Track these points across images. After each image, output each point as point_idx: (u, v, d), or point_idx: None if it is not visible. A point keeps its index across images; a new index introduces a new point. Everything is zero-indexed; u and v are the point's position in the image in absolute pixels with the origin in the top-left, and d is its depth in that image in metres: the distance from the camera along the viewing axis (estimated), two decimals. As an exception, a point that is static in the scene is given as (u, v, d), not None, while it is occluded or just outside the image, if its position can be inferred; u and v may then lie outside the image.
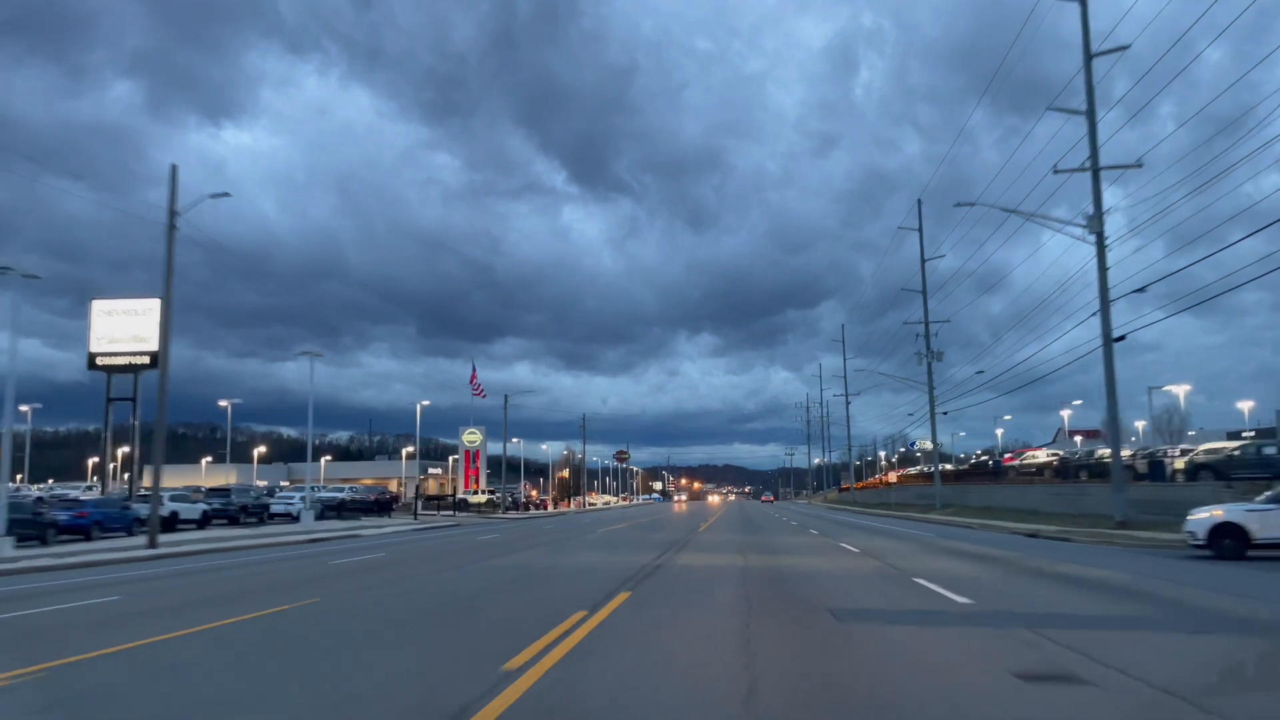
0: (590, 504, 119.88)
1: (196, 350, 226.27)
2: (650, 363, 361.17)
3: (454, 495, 71.78)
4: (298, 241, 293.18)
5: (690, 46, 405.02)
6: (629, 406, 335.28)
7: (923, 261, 55.79)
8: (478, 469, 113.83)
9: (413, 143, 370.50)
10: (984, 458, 69.90)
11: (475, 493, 77.58)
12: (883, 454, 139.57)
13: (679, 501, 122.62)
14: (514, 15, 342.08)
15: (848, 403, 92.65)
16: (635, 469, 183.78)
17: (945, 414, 53.32)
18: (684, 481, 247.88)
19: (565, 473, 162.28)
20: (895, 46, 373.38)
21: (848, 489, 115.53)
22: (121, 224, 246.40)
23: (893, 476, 69.95)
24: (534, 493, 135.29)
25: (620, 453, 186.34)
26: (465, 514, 63.25)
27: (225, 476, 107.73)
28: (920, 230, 56.26)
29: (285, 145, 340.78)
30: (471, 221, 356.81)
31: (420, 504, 69.92)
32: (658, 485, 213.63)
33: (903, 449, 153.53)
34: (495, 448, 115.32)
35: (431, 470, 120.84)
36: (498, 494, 75.50)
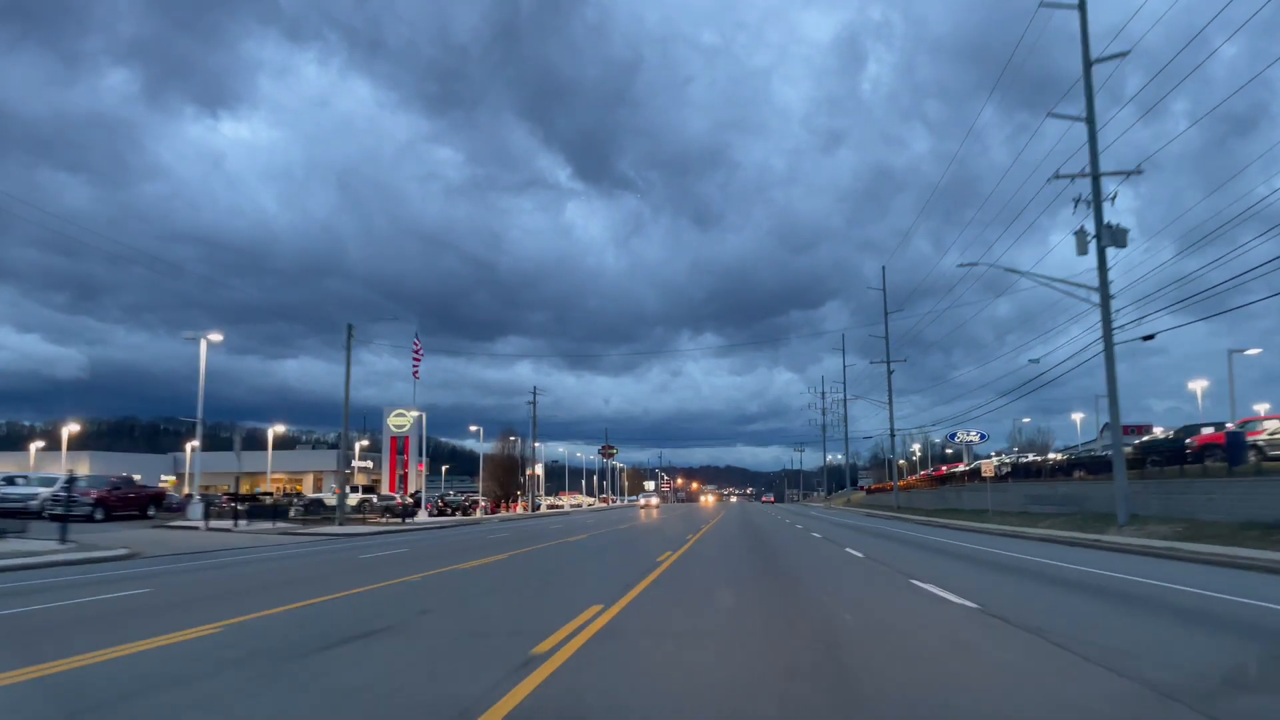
0: (555, 507, 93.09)
1: (195, 347, 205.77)
2: (653, 363, 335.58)
3: (269, 495, 45.25)
4: (298, 237, 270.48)
5: (695, 40, 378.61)
6: (631, 407, 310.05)
7: (1087, 66, 29.36)
8: (407, 461, 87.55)
9: (414, 136, 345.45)
10: (1159, 435, 43.23)
11: (359, 489, 51.06)
12: (916, 447, 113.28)
13: (647, 505, 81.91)
14: (517, 6, 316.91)
15: (890, 371, 66.02)
16: (621, 465, 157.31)
17: (1150, 338, 26.58)
18: (680, 481, 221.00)
19: (537, 469, 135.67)
20: (904, 41, 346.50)
21: (879, 489, 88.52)
22: (119, 218, 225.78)
23: (988, 469, 42.70)
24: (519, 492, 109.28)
25: (606, 447, 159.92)
26: (285, 524, 36.72)
27: (80, 465, 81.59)
28: (1081, 8, 29.80)
29: (284, 138, 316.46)
30: (474, 217, 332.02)
31: (207, 505, 43.04)
32: (650, 485, 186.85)
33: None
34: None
35: (360, 464, 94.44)
36: (400, 494, 48.94)
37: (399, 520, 43.93)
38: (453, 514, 62.94)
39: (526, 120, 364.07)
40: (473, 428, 69.59)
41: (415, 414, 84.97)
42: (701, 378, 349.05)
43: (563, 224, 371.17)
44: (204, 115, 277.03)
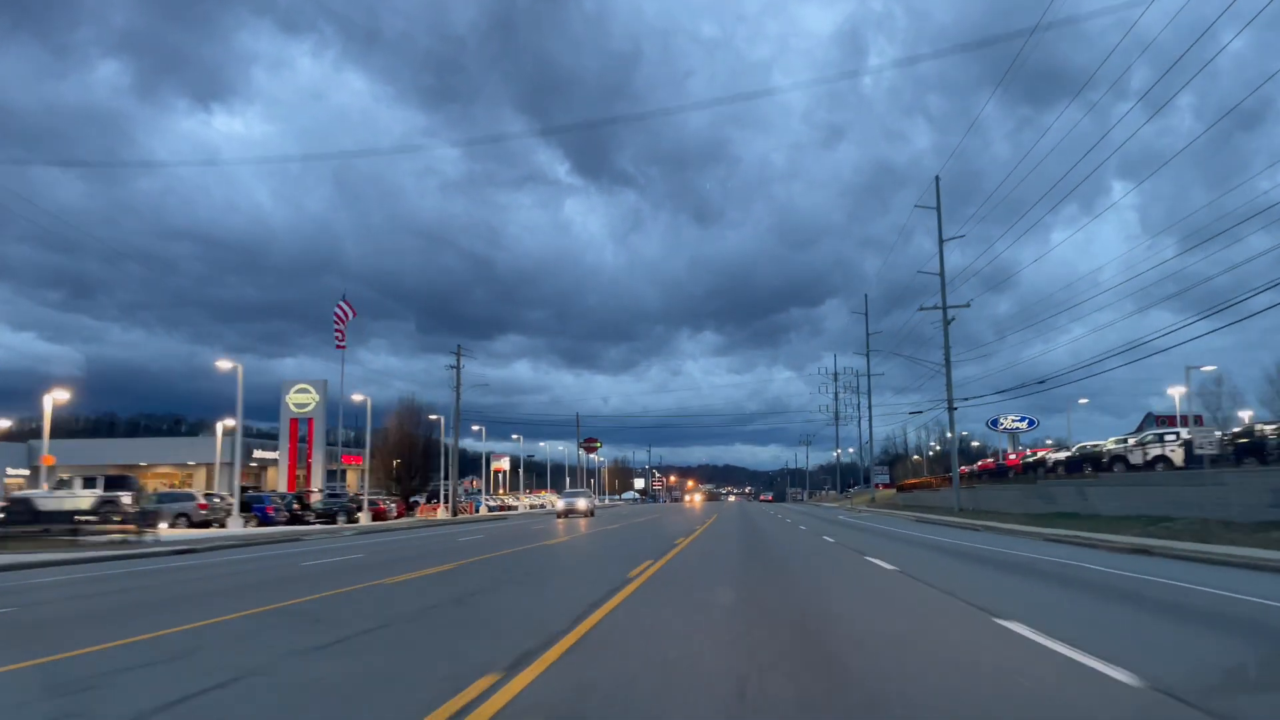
0: (505, 509, 73.66)
1: (192, 345, 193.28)
2: (652, 361, 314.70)
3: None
4: (293, 234, 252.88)
5: (695, 32, 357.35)
6: (630, 405, 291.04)
7: None
8: (310, 450, 68.03)
9: (410, 130, 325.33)
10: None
11: (98, 481, 31.14)
12: (951, 437, 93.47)
13: (570, 510, 47.31)
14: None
15: (948, 319, 46.67)
16: (601, 459, 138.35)
17: None
18: (673, 479, 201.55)
19: (503, 464, 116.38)
20: (906, 33, 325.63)
21: (916, 485, 68.93)
22: (113, 214, 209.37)
23: (1198, 440, 22.29)
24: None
25: (588, 441, 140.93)
26: None
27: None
28: None
29: (278, 132, 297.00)
30: (471, 213, 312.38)
31: None
32: (639, 483, 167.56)
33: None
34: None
35: (261, 453, 74.96)
36: (130, 494, 29.33)
37: (141, 533, 24.49)
38: (331, 519, 43.56)
39: (524, 114, 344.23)
40: (357, 397, 49.77)
41: (316, 390, 65.68)
42: (701, 376, 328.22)
43: (561, 220, 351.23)
44: (197, 109, 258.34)
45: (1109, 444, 37.43)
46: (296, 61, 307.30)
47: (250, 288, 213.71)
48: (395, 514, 51.45)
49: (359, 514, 44.29)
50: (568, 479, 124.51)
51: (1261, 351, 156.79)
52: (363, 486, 50.18)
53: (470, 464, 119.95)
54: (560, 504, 49.43)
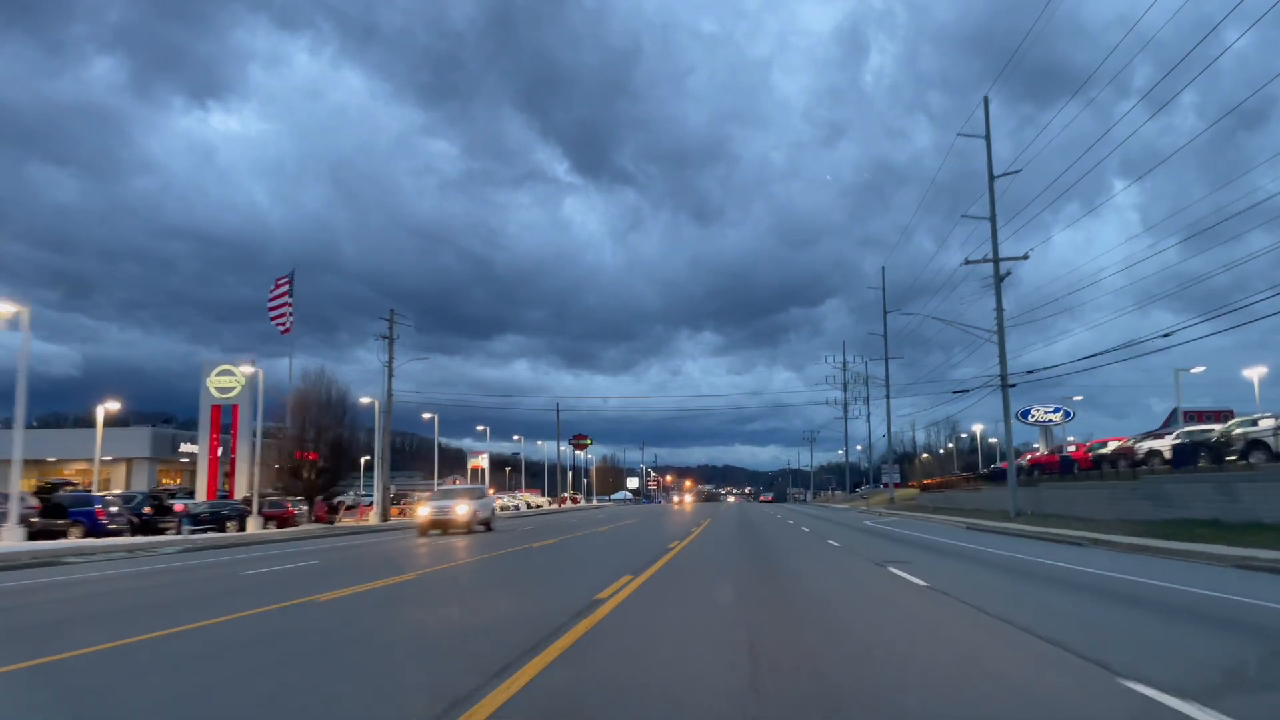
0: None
1: (191, 345, 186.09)
2: (651, 361, 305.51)
3: None
4: (291, 233, 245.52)
5: (695, 28, 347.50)
6: (630, 406, 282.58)
7: None
8: (234, 443, 58.20)
9: (408, 128, 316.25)
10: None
11: None
12: (1006, 422, 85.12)
13: (437, 517, 29.13)
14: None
15: (999, 274, 36.90)
16: (591, 457, 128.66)
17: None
18: (670, 479, 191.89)
19: (480, 462, 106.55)
20: (907, 30, 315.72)
21: (942, 483, 58.96)
22: (109, 213, 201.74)
23: None
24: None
25: (578, 438, 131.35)
26: None
27: None
28: None
29: (275, 130, 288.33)
30: (470, 213, 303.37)
31: None
32: (633, 483, 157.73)
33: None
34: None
35: (189, 447, 65.15)
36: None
37: None
38: (220, 525, 33.78)
39: (523, 112, 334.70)
40: (247, 369, 39.38)
41: (248, 372, 55.84)
42: (700, 376, 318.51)
43: (560, 219, 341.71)
44: (193, 107, 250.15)
45: (1234, 426, 27.64)
46: (293, 58, 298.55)
47: (247, 287, 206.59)
48: (315, 518, 41.66)
49: (248, 519, 34.43)
50: (556, 479, 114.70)
51: (1262, 351, 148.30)
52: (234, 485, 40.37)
53: (454, 462, 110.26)
54: (423, 512, 30.57)
